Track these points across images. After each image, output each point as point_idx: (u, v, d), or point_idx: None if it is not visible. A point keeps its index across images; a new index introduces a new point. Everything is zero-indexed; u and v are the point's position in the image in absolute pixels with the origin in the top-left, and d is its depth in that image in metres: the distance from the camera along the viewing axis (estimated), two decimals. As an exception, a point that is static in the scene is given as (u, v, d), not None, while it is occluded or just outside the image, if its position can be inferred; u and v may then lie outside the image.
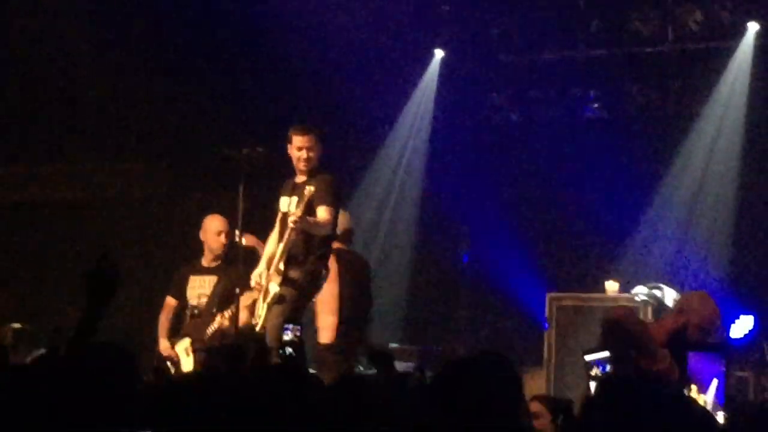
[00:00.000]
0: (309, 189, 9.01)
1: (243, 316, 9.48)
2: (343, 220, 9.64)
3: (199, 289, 9.95)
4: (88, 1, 12.30)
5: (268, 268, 9.17)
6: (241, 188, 9.28)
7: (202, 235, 10.09)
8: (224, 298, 9.78)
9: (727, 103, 12.04)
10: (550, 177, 12.10)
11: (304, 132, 9.22)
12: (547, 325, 10.52)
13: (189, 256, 10.30)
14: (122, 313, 9.94)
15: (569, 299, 10.61)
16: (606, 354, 6.07)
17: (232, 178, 9.52)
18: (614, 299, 10.25)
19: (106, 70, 12.28)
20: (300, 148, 9.21)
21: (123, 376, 4.00)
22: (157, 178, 13.03)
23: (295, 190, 9.25)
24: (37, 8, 12.33)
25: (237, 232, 9.47)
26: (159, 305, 10.17)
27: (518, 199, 12.44)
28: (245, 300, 9.41)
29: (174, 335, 9.91)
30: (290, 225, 8.93)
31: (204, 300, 9.90)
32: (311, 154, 9.21)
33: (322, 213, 9.06)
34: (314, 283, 9.22)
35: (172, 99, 12.37)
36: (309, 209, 9.03)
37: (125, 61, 12.22)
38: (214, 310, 9.74)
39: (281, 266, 9.07)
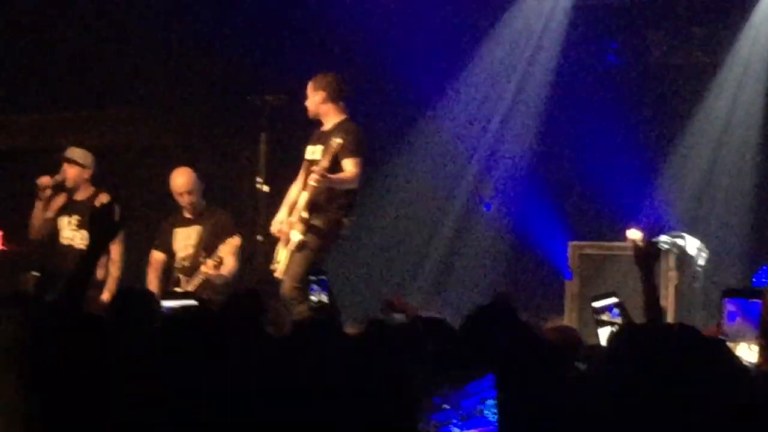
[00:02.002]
0: (335, 141, 9.00)
1: (229, 262, 9.45)
2: None
3: (185, 240, 9.74)
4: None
5: (290, 215, 9.16)
6: (263, 135, 9.25)
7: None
8: (207, 246, 9.58)
9: (750, 53, 11.98)
10: (573, 126, 12.00)
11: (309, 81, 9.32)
12: (569, 274, 10.48)
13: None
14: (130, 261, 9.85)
15: (592, 248, 10.57)
16: (615, 299, 5.96)
17: (255, 125, 9.50)
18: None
19: (129, 18, 12.28)
20: (305, 96, 9.29)
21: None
22: (180, 125, 12.98)
23: (320, 139, 9.24)
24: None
25: (259, 179, 9.43)
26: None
27: (540, 148, 12.33)
28: (229, 246, 9.34)
29: (165, 290, 9.46)
30: (312, 183, 8.92)
31: (191, 251, 9.74)
32: (308, 102, 9.27)
33: (348, 166, 9.06)
34: (336, 232, 9.21)
35: (195, 47, 12.34)
36: (335, 160, 9.04)
37: (149, 10, 12.22)
38: (201, 260, 9.59)
39: (304, 214, 9.06)
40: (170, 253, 9.76)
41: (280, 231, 9.18)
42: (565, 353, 5.34)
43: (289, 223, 9.14)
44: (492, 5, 12.33)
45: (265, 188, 9.39)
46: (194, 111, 12.76)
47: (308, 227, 9.05)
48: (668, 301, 10.29)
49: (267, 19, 12.09)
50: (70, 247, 9.68)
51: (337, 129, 9.17)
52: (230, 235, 9.39)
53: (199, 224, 9.75)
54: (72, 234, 9.73)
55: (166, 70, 12.53)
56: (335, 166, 8.99)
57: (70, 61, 12.65)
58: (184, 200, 9.73)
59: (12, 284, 9.24)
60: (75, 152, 9.83)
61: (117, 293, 8.26)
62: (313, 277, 6.08)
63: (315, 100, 9.26)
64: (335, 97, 9.28)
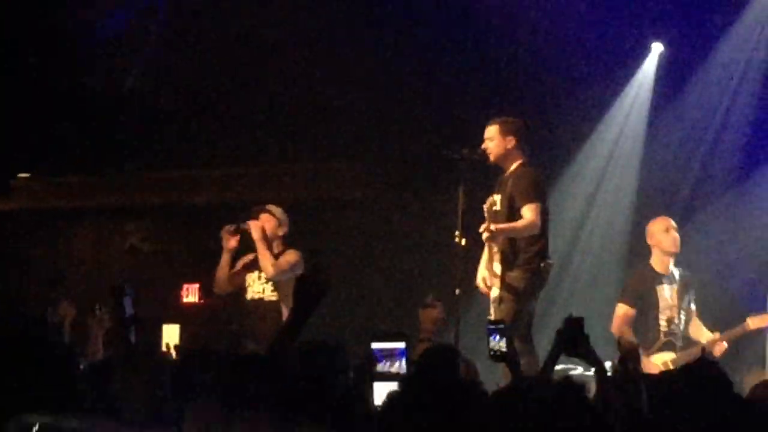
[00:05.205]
0: (509, 185, 8.90)
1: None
2: None
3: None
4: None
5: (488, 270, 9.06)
6: (460, 188, 9.20)
7: None
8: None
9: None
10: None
11: (488, 124, 9.17)
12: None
13: (405, 259, 10.15)
14: (331, 314, 9.90)
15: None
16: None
17: (451, 178, 9.46)
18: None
19: (326, 72, 12.40)
20: (484, 140, 9.14)
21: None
22: (375, 180, 13.06)
23: (500, 186, 9.14)
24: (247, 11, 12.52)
25: (457, 233, 9.36)
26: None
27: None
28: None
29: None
30: (484, 240, 8.83)
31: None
32: (490, 145, 9.09)
33: (526, 212, 8.91)
34: (534, 279, 8.98)
35: (388, 101, 12.41)
36: (511, 206, 8.92)
37: (345, 62, 12.32)
38: None
39: (496, 268, 8.95)
40: None
41: (482, 288, 9.10)
42: None
43: (486, 279, 9.05)
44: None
45: (462, 241, 9.30)
46: (392, 165, 12.82)
47: (503, 282, 8.93)
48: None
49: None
50: (260, 301, 9.80)
51: (516, 175, 9.07)
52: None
53: None
54: (261, 287, 9.83)
55: (362, 124, 12.63)
56: (512, 210, 8.89)
57: (267, 113, 12.86)
58: None
59: (210, 338, 9.38)
60: (273, 207, 9.95)
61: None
62: (492, 326, 5.95)
63: (503, 145, 9.13)
64: (524, 142, 9.19)
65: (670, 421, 4.25)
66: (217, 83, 12.93)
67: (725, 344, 9.64)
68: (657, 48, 12.18)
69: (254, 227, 9.75)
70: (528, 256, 8.94)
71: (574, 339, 5.44)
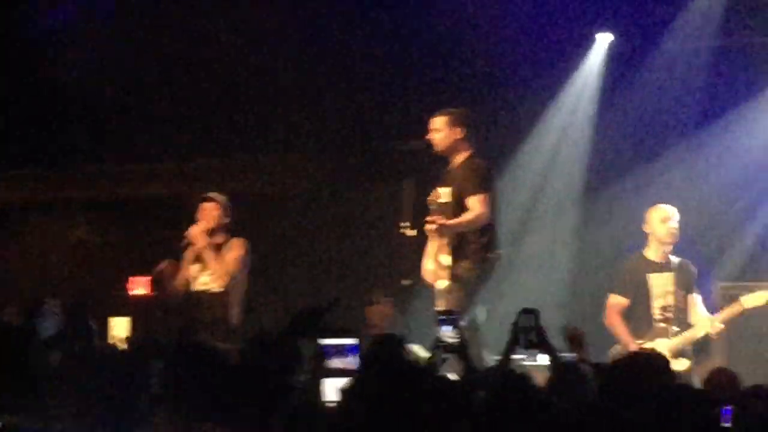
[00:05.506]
0: (457, 177, 8.91)
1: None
2: None
3: None
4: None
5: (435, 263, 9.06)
6: (407, 180, 9.20)
7: None
8: None
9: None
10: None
11: (434, 115, 9.17)
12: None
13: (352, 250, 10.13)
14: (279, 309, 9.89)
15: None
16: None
17: (398, 170, 9.47)
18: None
19: (271, 64, 12.36)
20: (429, 131, 9.13)
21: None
22: (319, 172, 13.03)
23: (447, 178, 9.14)
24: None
25: (404, 225, 9.34)
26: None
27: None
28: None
29: None
30: (430, 233, 8.84)
31: None
32: (437, 136, 9.10)
33: (473, 204, 8.92)
34: (481, 271, 9.03)
35: (331, 93, 12.38)
36: (458, 198, 8.92)
37: (290, 55, 12.28)
38: None
39: (444, 261, 8.94)
40: None
41: (429, 281, 9.09)
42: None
43: (433, 272, 9.05)
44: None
45: (411, 233, 9.28)
46: (338, 157, 12.80)
47: (451, 274, 8.93)
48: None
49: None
50: (206, 293, 9.76)
51: (463, 166, 9.07)
52: None
53: None
54: (207, 279, 9.80)
55: (305, 117, 12.60)
56: (459, 203, 8.89)
57: (208, 108, 12.81)
58: None
59: (160, 330, 9.34)
60: (216, 195, 9.90)
61: None
62: (442, 317, 5.95)
63: (451, 136, 9.13)
64: (471, 133, 9.19)
65: (616, 408, 4.28)
66: (162, 78, 12.84)
67: (722, 325, 9.53)
68: (605, 38, 12.22)
69: (199, 237, 9.73)
70: (476, 247, 8.96)
71: (528, 330, 5.49)
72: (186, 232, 9.70)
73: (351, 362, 5.28)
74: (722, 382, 6.30)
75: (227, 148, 13.15)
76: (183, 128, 12.95)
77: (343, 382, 4.69)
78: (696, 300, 9.68)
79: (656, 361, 4.87)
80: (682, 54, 11.95)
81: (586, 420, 3.56)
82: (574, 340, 6.15)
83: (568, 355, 6.08)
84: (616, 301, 9.72)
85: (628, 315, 9.66)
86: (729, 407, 5.15)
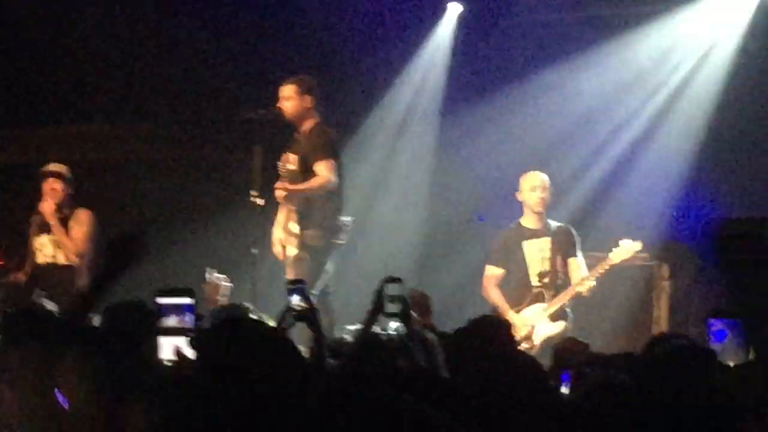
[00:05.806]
0: (304, 144, 8.96)
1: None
2: None
3: None
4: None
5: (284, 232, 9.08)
6: (256, 148, 9.20)
7: None
8: None
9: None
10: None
11: (283, 83, 9.22)
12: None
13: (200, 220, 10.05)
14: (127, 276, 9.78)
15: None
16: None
17: (246, 138, 9.45)
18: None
19: (120, 33, 12.21)
20: (279, 99, 9.17)
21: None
22: (167, 141, 12.92)
23: (295, 145, 9.19)
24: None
25: (253, 192, 9.30)
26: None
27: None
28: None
29: None
30: (279, 200, 8.88)
31: None
32: (286, 104, 9.15)
33: (320, 169, 8.99)
34: (332, 236, 9.09)
35: (181, 62, 12.28)
36: (305, 165, 8.97)
37: (138, 24, 12.15)
38: None
39: (293, 228, 8.98)
40: None
41: (277, 252, 9.11)
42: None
43: (283, 240, 9.07)
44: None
45: (260, 201, 9.26)
46: (184, 126, 12.71)
47: (301, 241, 8.97)
48: (662, 311, 10.23)
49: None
50: (53, 265, 9.67)
51: (311, 133, 9.13)
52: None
53: None
54: (54, 251, 9.69)
55: (154, 85, 12.47)
56: (306, 169, 8.97)
57: (60, 76, 12.59)
58: None
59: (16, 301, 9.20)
60: (59, 167, 9.81)
61: None
62: (291, 286, 5.96)
63: (300, 104, 9.18)
64: (318, 101, 9.24)
65: (458, 378, 4.32)
66: (10, 45, 12.58)
67: (593, 282, 9.59)
68: (455, 8, 12.26)
69: (48, 213, 9.63)
70: (324, 214, 9.02)
71: (395, 299, 5.49)
72: (37, 209, 9.63)
73: (188, 321, 5.23)
74: (572, 349, 6.46)
75: (77, 116, 12.95)
76: (29, 96, 12.71)
77: (178, 340, 4.81)
78: (579, 263, 9.71)
79: (496, 328, 4.92)
80: (532, 25, 12.05)
81: (419, 388, 3.53)
82: (420, 306, 6.20)
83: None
84: (492, 272, 9.80)
85: (506, 284, 9.75)
86: (567, 373, 5.30)
